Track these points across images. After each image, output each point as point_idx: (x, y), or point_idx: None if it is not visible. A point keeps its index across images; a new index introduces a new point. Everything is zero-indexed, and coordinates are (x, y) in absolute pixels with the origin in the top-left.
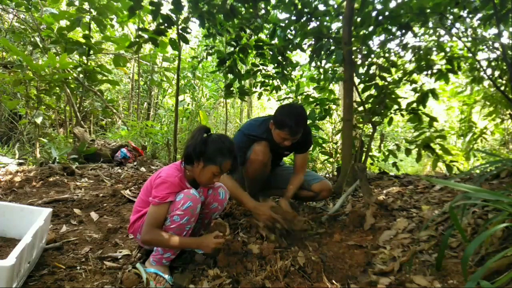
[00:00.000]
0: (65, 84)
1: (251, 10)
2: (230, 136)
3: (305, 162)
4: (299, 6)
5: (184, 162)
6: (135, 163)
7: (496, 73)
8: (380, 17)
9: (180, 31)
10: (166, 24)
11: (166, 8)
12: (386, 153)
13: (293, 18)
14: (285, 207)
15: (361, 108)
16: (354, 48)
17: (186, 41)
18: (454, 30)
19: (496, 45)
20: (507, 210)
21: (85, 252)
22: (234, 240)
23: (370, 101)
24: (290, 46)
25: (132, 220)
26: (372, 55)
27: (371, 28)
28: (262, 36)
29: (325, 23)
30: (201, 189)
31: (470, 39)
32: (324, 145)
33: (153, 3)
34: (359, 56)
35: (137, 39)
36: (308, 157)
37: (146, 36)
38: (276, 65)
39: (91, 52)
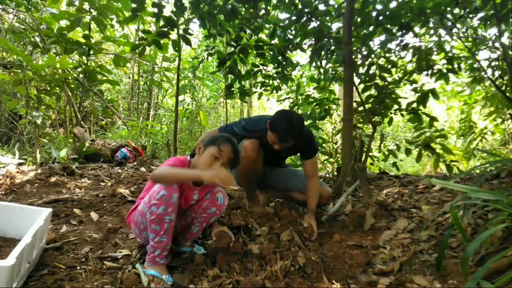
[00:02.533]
0: (65, 84)
1: (251, 10)
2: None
3: (316, 167)
4: (299, 6)
5: (190, 156)
6: (135, 163)
7: (497, 73)
8: (381, 17)
9: (182, 33)
10: (168, 26)
11: (166, 10)
12: (386, 153)
13: (293, 18)
14: (310, 223)
15: (361, 108)
16: (354, 48)
17: (189, 43)
18: (454, 30)
19: (497, 45)
20: (507, 210)
21: (85, 252)
22: (234, 240)
23: (370, 101)
24: (290, 46)
25: (129, 211)
26: (372, 55)
27: (371, 28)
28: (262, 36)
29: (325, 23)
30: (198, 191)
31: (470, 39)
32: (324, 145)
33: (156, 4)
34: (359, 56)
35: (141, 41)
36: (317, 162)
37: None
38: (276, 65)
39: (91, 52)
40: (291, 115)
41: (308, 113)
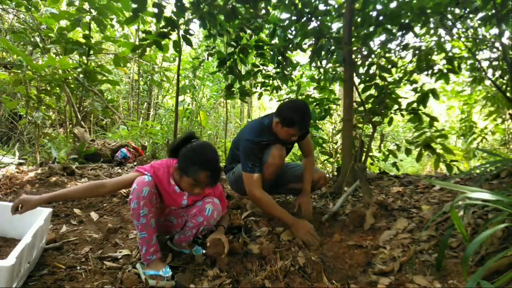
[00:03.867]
0: (65, 84)
1: (251, 10)
2: (212, 145)
3: (311, 144)
4: (299, 6)
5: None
6: (135, 163)
7: (497, 73)
8: (381, 17)
9: (183, 33)
10: (169, 27)
11: (167, 10)
12: (386, 153)
13: (294, 18)
14: (307, 204)
15: (361, 108)
16: (354, 48)
17: (190, 43)
18: (454, 30)
19: (497, 45)
20: (507, 210)
21: (85, 252)
22: (234, 240)
23: (370, 101)
24: (290, 46)
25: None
26: (372, 55)
27: (371, 28)
28: (262, 36)
29: (325, 23)
30: (187, 197)
31: (470, 39)
32: (324, 145)
33: (156, 4)
34: (359, 56)
35: (142, 42)
36: (311, 139)
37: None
38: (276, 65)
39: (91, 52)
40: (299, 103)
41: (310, 109)
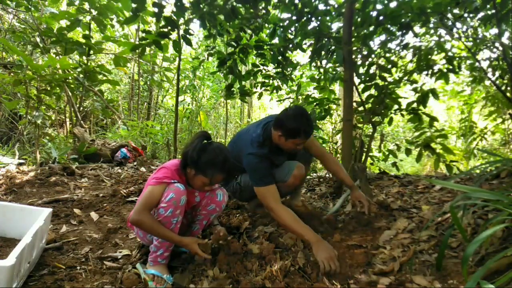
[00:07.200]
0: (65, 84)
1: (251, 10)
2: (226, 147)
3: (318, 143)
4: (299, 6)
5: (180, 165)
6: (135, 163)
7: (497, 73)
8: (381, 17)
9: (183, 33)
10: (169, 27)
11: (167, 10)
12: (386, 153)
13: (294, 18)
14: (364, 199)
15: (361, 108)
16: (354, 48)
17: (190, 43)
18: (454, 30)
19: (497, 44)
20: (507, 210)
21: (85, 252)
22: (234, 241)
23: (370, 101)
24: (290, 46)
25: (131, 213)
26: (372, 55)
27: (371, 28)
28: (263, 35)
29: (325, 23)
30: (198, 193)
31: (470, 39)
32: (324, 145)
33: (156, 4)
34: (359, 56)
35: (141, 42)
36: (314, 138)
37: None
38: (276, 65)
39: (91, 52)
40: (296, 111)
41: (309, 113)
